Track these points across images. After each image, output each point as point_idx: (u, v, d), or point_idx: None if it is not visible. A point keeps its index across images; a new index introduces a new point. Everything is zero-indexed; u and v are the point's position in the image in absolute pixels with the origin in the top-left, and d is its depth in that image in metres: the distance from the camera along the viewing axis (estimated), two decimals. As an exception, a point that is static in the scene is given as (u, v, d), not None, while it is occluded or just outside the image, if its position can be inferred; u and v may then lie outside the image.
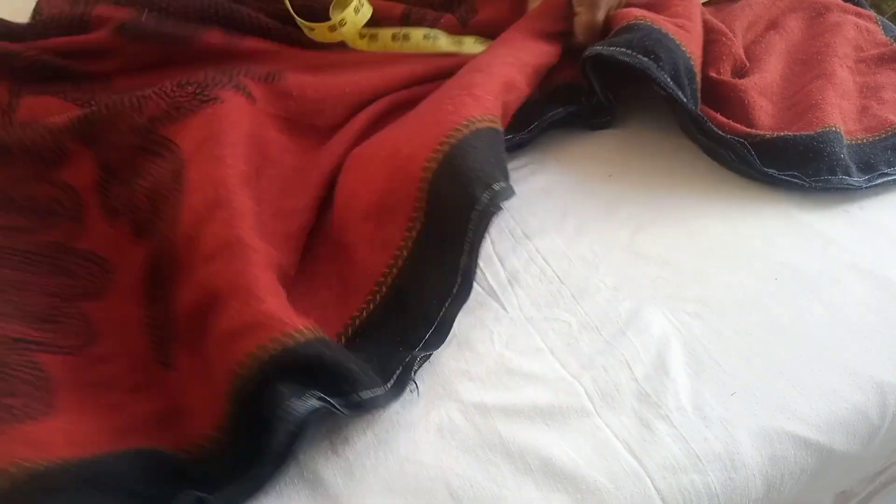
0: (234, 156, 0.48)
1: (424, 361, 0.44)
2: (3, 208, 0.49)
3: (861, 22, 0.73)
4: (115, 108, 0.52)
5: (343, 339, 0.44)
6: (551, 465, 0.40)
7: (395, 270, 0.46)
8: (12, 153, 0.52)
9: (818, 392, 0.44)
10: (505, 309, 0.48)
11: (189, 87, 0.53)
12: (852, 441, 0.44)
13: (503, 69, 0.54)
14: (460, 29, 0.67)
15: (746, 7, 0.74)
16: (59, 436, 0.38)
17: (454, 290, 0.45)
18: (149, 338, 0.45)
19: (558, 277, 0.50)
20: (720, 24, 0.68)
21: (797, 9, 0.77)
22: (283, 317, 0.39)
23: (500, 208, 0.45)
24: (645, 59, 0.55)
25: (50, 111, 0.55)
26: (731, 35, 0.67)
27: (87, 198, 0.51)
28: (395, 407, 0.43)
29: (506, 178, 0.47)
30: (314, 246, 0.50)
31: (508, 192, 0.46)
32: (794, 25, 0.75)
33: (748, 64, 0.68)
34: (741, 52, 0.68)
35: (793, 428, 0.42)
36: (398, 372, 0.42)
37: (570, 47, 0.61)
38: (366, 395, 0.40)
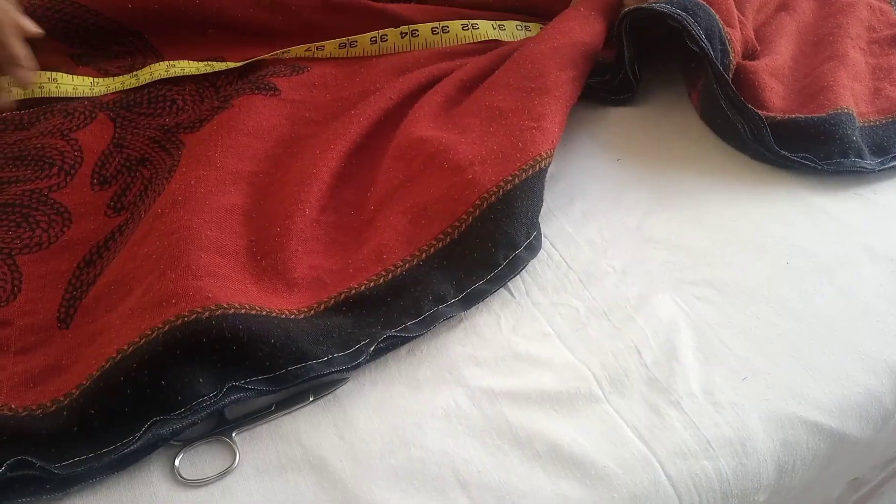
0: (224, 157, 0.50)
1: (399, 341, 0.43)
2: (12, 161, 0.52)
3: (874, 2, 0.72)
4: (154, 103, 0.56)
5: (332, 302, 0.44)
6: (560, 450, 0.39)
7: (407, 265, 0.46)
8: (54, 113, 0.56)
9: (831, 376, 0.43)
10: (511, 294, 0.47)
11: (216, 101, 0.56)
12: (865, 426, 0.43)
13: (570, 89, 0.55)
14: (496, 1, 0.66)
15: (757, -12, 0.73)
16: None
17: (450, 301, 0.45)
18: (61, 292, 0.45)
19: (565, 262, 0.50)
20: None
21: (808, -11, 0.75)
22: (211, 293, 0.40)
23: (533, 255, 0.48)
24: (682, 12, 0.55)
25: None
26: (741, 17, 0.66)
27: (88, 158, 0.53)
28: (402, 391, 0.42)
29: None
30: (336, 207, 0.50)
31: (538, 246, 0.49)
32: (805, 6, 0.73)
33: (759, 46, 0.67)
34: (752, 33, 0.67)
35: (805, 413, 0.42)
36: (363, 342, 0.42)
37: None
38: (293, 367, 0.39)
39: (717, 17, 0.58)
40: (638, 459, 0.39)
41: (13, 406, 0.37)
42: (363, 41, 0.63)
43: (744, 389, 0.42)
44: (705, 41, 0.55)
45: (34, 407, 0.37)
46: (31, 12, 0.57)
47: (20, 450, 0.35)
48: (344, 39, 0.63)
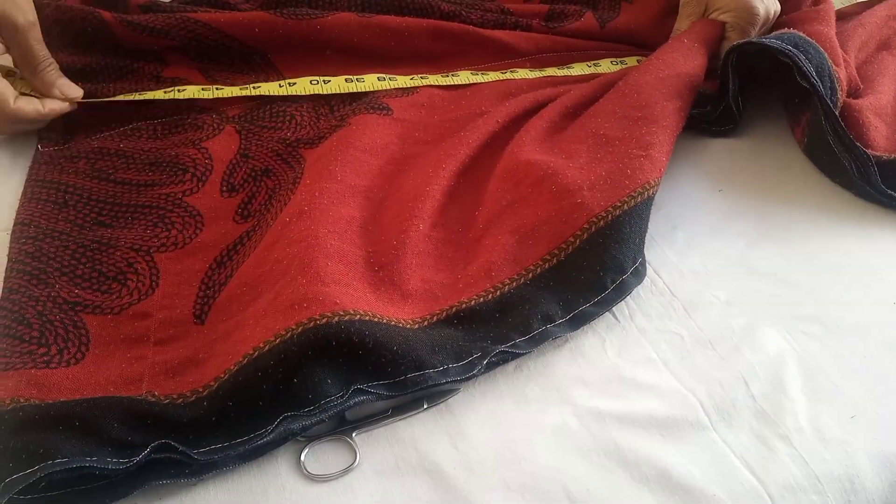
0: (343, 171, 0.53)
1: (509, 357, 0.45)
2: (150, 166, 0.56)
3: (979, 43, 0.71)
4: (275, 117, 0.60)
5: (444, 315, 0.46)
6: (668, 476, 0.40)
7: (514, 284, 0.47)
8: (184, 126, 0.59)
9: (942, 421, 0.43)
10: (616, 318, 0.48)
11: (334, 121, 0.60)
12: (976, 474, 0.43)
13: (676, 120, 0.56)
14: (598, 31, 0.69)
15: (859, 26, 0.73)
16: (68, 382, 0.41)
17: (559, 321, 0.46)
18: (196, 290, 0.48)
19: (669, 290, 0.50)
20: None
21: (910, 28, 0.75)
22: (339, 299, 0.42)
23: (639, 281, 0.49)
24: (793, 48, 0.56)
25: (221, 98, 0.62)
26: (844, 55, 0.66)
27: (218, 167, 0.56)
28: (510, 406, 0.43)
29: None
30: (446, 224, 0.52)
31: (643, 272, 0.50)
32: (906, 45, 0.73)
33: (861, 85, 0.67)
34: (854, 72, 0.67)
35: (914, 456, 0.42)
36: (476, 355, 0.43)
37: (711, 67, 0.63)
38: (412, 374, 0.41)
39: (826, 54, 0.59)
40: (747, 490, 0.40)
41: (156, 393, 0.40)
42: (464, 74, 0.65)
43: (852, 428, 0.42)
44: (816, 78, 0.56)
45: (175, 396, 0.40)
46: (163, 30, 0.61)
47: (163, 434, 0.38)
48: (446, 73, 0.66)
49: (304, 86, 0.62)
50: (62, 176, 0.53)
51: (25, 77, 0.57)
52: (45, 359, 0.42)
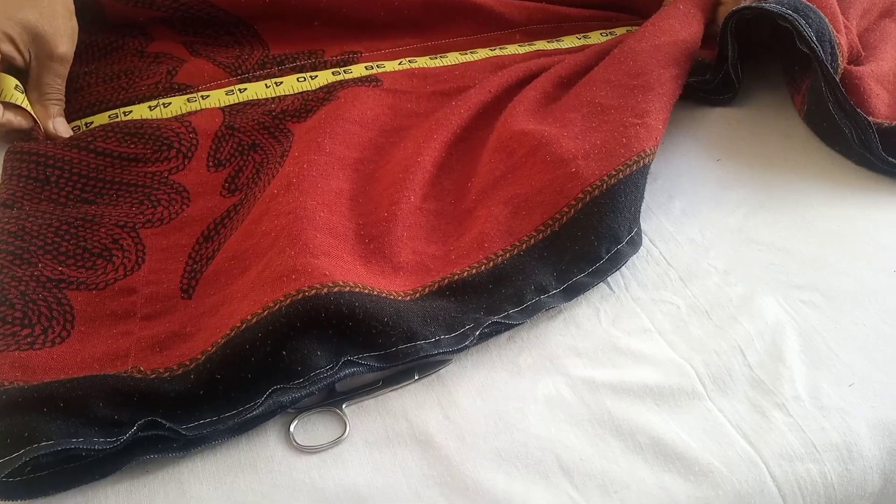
0: (333, 143, 0.52)
1: (502, 328, 0.44)
2: (130, 137, 0.54)
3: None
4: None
5: (436, 286, 0.45)
6: (662, 444, 0.40)
7: (508, 255, 0.46)
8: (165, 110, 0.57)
9: (942, 388, 0.42)
10: (611, 288, 0.48)
11: (321, 93, 0.58)
12: (977, 441, 0.42)
13: (672, 87, 0.55)
14: None
15: (861, -7, 0.71)
16: (53, 363, 0.41)
17: (552, 292, 0.45)
18: (183, 265, 0.47)
19: (665, 259, 0.50)
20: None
21: (914, -4, 0.73)
22: (328, 271, 0.41)
23: (634, 251, 0.48)
24: (793, 13, 0.55)
25: (203, 77, 0.60)
26: (846, 22, 0.65)
27: (203, 142, 0.55)
28: (502, 376, 0.43)
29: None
30: (438, 195, 0.51)
31: (639, 242, 0.49)
32: (910, 13, 0.72)
33: (863, 52, 0.66)
34: (856, 39, 0.65)
35: (913, 423, 0.41)
36: (468, 326, 0.43)
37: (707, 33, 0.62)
38: (403, 345, 0.41)
39: (827, 19, 0.57)
40: (743, 459, 0.39)
41: (142, 368, 0.39)
42: (453, 55, 0.64)
43: (851, 395, 0.42)
44: (816, 43, 0.54)
45: (162, 370, 0.39)
46: (148, 0, 0.60)
47: (150, 410, 0.37)
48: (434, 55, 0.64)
49: (290, 84, 0.60)
50: (40, 146, 0.52)
51: (30, 96, 0.55)
52: (30, 340, 0.42)
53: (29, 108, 0.54)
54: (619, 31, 0.67)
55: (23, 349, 0.41)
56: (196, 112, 0.57)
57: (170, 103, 0.58)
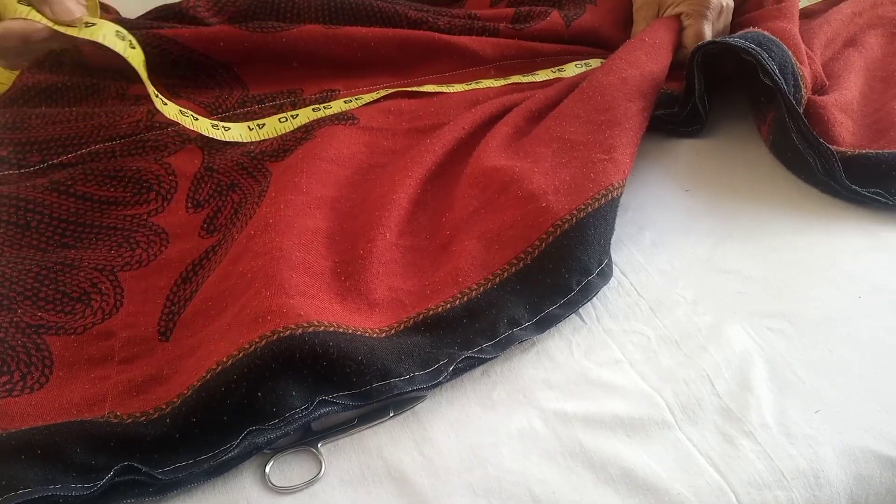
0: (309, 183, 0.53)
1: (476, 362, 0.45)
2: (110, 180, 0.55)
3: (945, 38, 0.72)
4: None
5: (411, 322, 0.46)
6: (633, 475, 0.40)
7: (482, 289, 0.47)
8: (144, 147, 0.59)
9: (907, 413, 0.43)
10: (583, 320, 0.49)
11: (299, 133, 0.59)
12: (942, 464, 0.43)
13: (639, 121, 0.57)
14: (564, 30, 0.70)
15: (825, 24, 0.74)
16: (31, 409, 0.41)
17: (525, 325, 0.46)
18: (160, 307, 0.48)
19: (636, 290, 0.51)
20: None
21: (876, 25, 0.76)
22: (303, 311, 0.42)
23: (605, 282, 0.49)
24: (756, 46, 0.56)
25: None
26: (810, 52, 0.67)
27: (182, 183, 0.56)
28: (476, 411, 0.44)
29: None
30: (413, 231, 0.52)
31: (609, 273, 0.50)
32: (873, 42, 0.74)
33: (827, 82, 0.67)
34: (820, 69, 0.67)
35: (879, 447, 0.42)
36: (443, 362, 0.43)
37: (675, 60, 0.64)
38: (377, 384, 0.41)
39: (790, 52, 0.59)
40: (712, 488, 0.40)
41: (119, 413, 0.40)
42: (429, 88, 0.65)
43: (817, 422, 0.43)
44: (779, 75, 0.56)
45: (138, 414, 0.40)
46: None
47: (126, 455, 0.38)
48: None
49: (273, 126, 0.61)
50: (20, 191, 0.53)
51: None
52: (8, 387, 0.42)
53: (36, 17, 0.55)
54: (594, 62, 0.69)
55: (1, 397, 0.42)
56: (175, 154, 0.58)
57: (167, 103, 0.60)
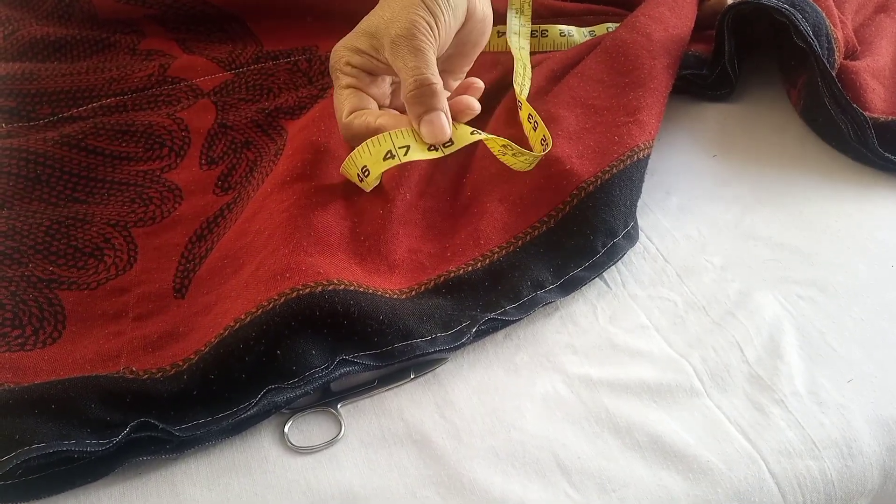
0: (327, 142, 0.51)
1: (499, 325, 0.44)
2: (122, 135, 0.54)
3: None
4: (252, 90, 0.58)
5: (432, 284, 0.44)
6: (661, 442, 0.39)
7: (504, 252, 0.46)
8: (157, 101, 0.57)
9: (941, 383, 0.42)
10: (608, 285, 0.47)
11: (314, 90, 0.57)
12: (976, 436, 0.42)
13: (665, 79, 0.55)
14: None
15: (856, -12, 0.71)
16: (45, 364, 0.40)
17: (549, 287, 0.45)
18: (175, 264, 0.47)
19: (662, 256, 0.49)
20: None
21: (909, -9, 0.73)
22: (323, 269, 0.40)
23: (631, 245, 0.48)
24: (790, 7, 0.54)
25: (197, 72, 0.59)
26: (842, 17, 0.65)
27: (196, 140, 0.55)
28: (500, 374, 0.43)
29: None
30: (433, 193, 0.51)
31: (635, 236, 0.49)
32: (905, 8, 0.71)
33: (859, 47, 0.65)
34: (852, 33, 0.65)
35: (913, 419, 0.41)
36: (465, 324, 0.42)
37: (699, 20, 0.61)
38: (399, 344, 0.40)
39: (824, 14, 0.57)
40: (741, 456, 0.39)
41: (134, 369, 0.39)
42: None
43: (850, 391, 0.41)
44: (813, 37, 0.54)
45: (154, 370, 0.39)
46: None
47: (142, 411, 0.37)
48: None
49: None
50: (29, 143, 0.51)
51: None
52: (20, 341, 0.41)
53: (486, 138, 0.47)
54: (599, 29, 0.66)
55: (13, 350, 0.41)
56: (188, 109, 0.56)
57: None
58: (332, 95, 0.56)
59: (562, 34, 0.64)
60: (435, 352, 0.41)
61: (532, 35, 0.63)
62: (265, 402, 0.38)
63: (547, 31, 0.64)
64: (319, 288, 0.39)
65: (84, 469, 0.36)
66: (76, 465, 0.36)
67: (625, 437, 0.40)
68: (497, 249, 0.46)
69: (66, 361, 0.41)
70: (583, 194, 0.47)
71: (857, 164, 0.55)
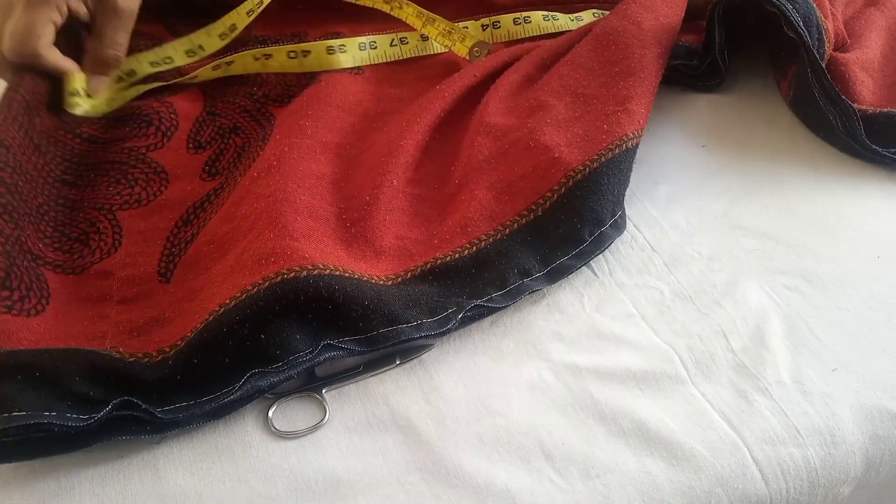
0: (315, 127, 0.51)
1: (485, 311, 0.44)
2: (115, 122, 0.54)
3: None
4: (240, 78, 0.58)
5: (419, 271, 0.44)
6: (645, 429, 0.39)
7: (491, 239, 0.46)
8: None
9: (925, 373, 0.42)
10: (595, 273, 0.47)
11: (304, 77, 0.57)
12: (958, 426, 0.42)
13: (655, 68, 0.54)
14: None
15: (847, -19, 0.71)
16: (28, 333, 0.39)
17: (536, 275, 0.45)
18: (161, 248, 0.46)
19: (650, 245, 0.49)
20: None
21: (899, -16, 0.73)
22: (308, 254, 0.40)
23: (618, 234, 0.48)
24: None
25: None
26: (832, 9, 0.65)
27: (183, 123, 0.54)
28: (485, 361, 0.42)
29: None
30: (421, 180, 0.51)
31: (623, 225, 0.48)
32: (894, 2, 0.72)
33: (848, 40, 0.65)
34: (842, 26, 0.65)
35: (896, 408, 0.41)
36: (451, 310, 0.42)
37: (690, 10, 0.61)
38: (384, 329, 0.40)
39: (815, 5, 0.57)
40: (725, 443, 0.39)
41: (121, 350, 0.39)
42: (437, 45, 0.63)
43: (834, 380, 0.42)
44: (803, 28, 0.54)
45: (140, 355, 0.38)
46: None
47: (125, 391, 0.36)
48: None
49: (281, 59, 0.58)
50: (31, 117, 0.50)
51: (91, 45, 0.55)
52: (8, 303, 0.40)
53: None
54: (586, 15, 0.66)
55: (0, 312, 0.40)
56: (178, 94, 0.56)
57: (172, 60, 0.58)
58: (322, 82, 0.56)
59: (546, 18, 0.64)
60: (420, 337, 0.41)
61: (515, 23, 0.63)
62: (249, 387, 0.37)
63: (529, 17, 0.64)
64: (304, 272, 0.39)
65: (60, 439, 0.36)
66: (51, 436, 0.36)
67: (610, 424, 0.40)
68: (484, 237, 0.46)
69: (50, 335, 0.40)
70: (571, 183, 0.47)
71: (845, 156, 0.56)
